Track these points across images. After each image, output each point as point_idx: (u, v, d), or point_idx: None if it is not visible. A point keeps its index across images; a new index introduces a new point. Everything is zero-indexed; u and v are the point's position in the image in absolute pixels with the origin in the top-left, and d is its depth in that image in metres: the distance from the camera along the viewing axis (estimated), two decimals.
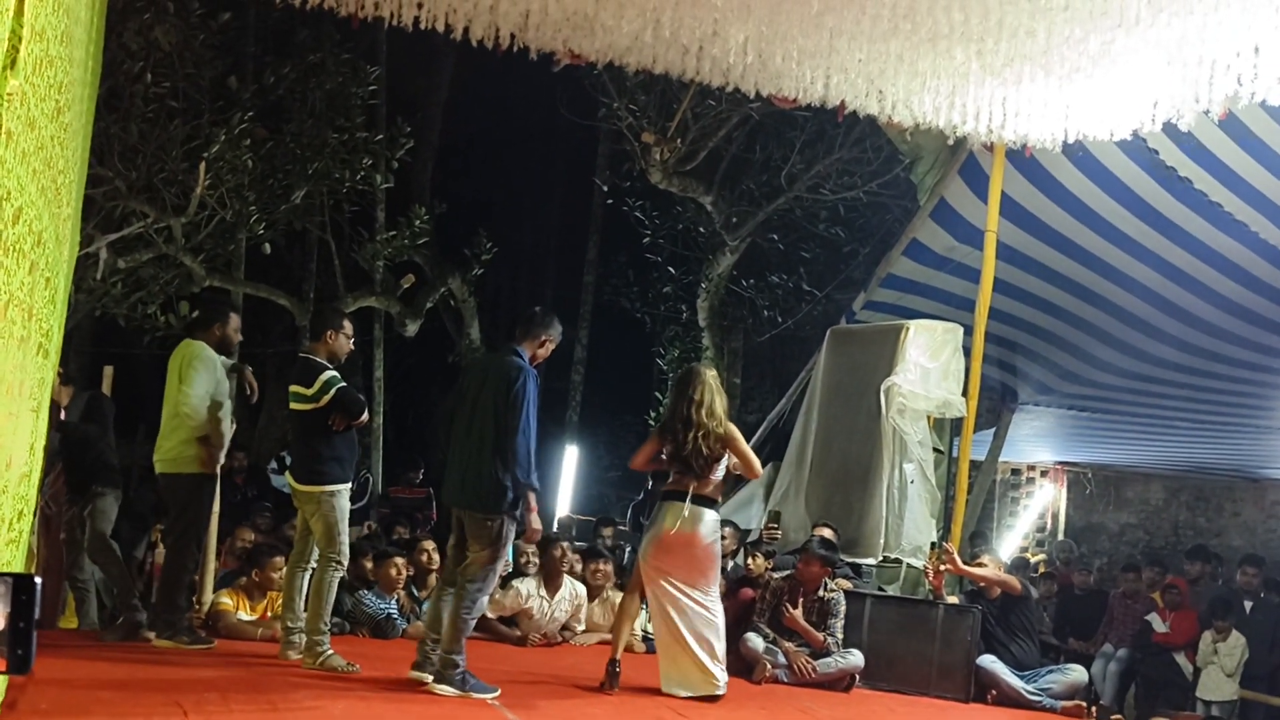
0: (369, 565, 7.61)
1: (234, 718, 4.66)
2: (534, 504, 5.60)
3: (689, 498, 5.98)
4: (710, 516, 6.02)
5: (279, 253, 12.15)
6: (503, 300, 19.66)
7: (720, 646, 6.04)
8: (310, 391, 5.94)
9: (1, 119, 1.84)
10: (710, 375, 6.16)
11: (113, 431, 6.97)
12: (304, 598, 6.12)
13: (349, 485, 6.16)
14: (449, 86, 15.18)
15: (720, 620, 6.07)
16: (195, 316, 6.84)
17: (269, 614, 6.91)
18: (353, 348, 6.46)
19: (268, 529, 8.64)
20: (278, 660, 6.06)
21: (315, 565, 6.10)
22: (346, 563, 6.23)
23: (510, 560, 8.25)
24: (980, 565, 7.52)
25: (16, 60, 1.92)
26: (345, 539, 6.12)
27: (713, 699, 5.93)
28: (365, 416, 6.22)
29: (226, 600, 6.90)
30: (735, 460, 6.09)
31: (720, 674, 6.00)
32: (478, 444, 5.54)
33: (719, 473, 6.07)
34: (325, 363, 6.07)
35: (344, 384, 6.08)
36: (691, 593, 5.98)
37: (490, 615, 7.66)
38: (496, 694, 5.41)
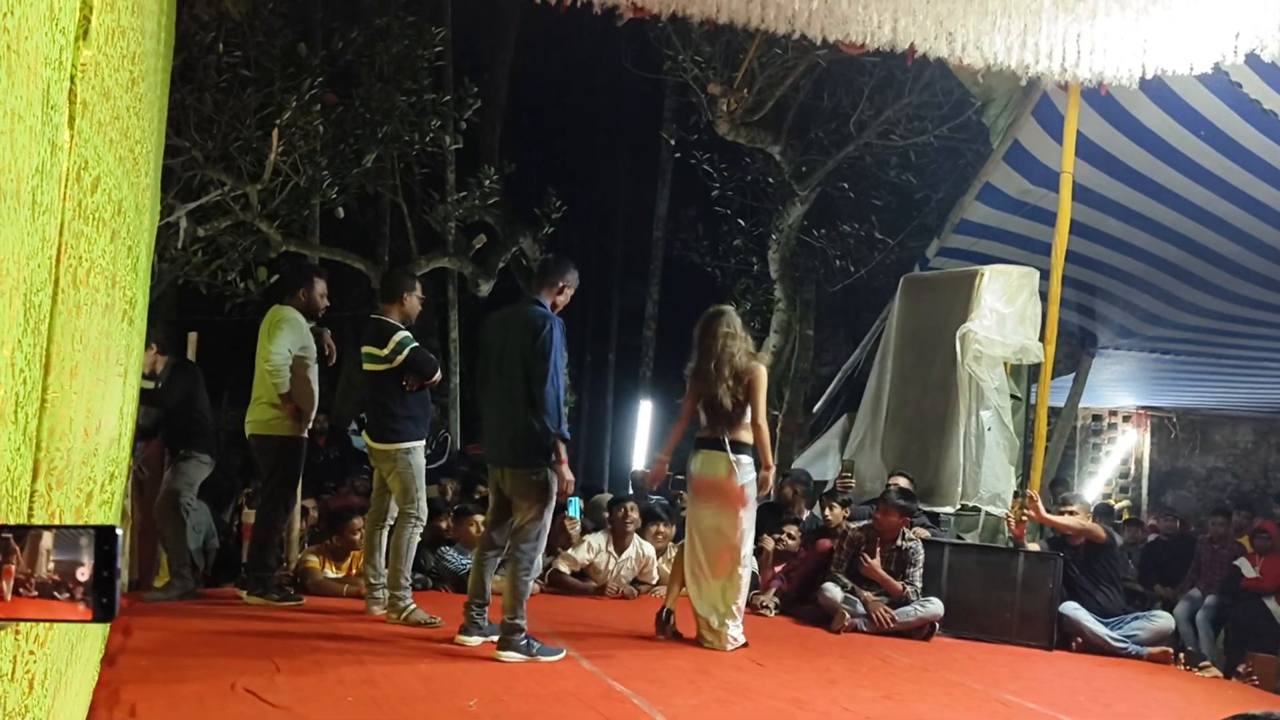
0: (446, 525, 7.74)
1: (325, 672, 4.79)
2: (564, 454, 5.47)
3: (717, 443, 5.98)
4: (741, 460, 5.97)
5: (352, 216, 12.28)
6: (574, 258, 19.70)
7: (741, 596, 6.05)
8: (384, 352, 6.04)
9: (76, 89, 1.88)
10: (727, 320, 6.07)
11: (205, 396, 7.08)
12: (384, 554, 6.25)
13: (424, 442, 6.25)
14: (514, 46, 15.16)
15: (747, 570, 6.07)
16: (280, 281, 6.93)
17: (354, 571, 7.07)
18: (422, 308, 6.53)
19: (366, 490, 8.76)
20: (364, 616, 6.22)
21: (394, 522, 6.21)
22: (425, 518, 6.33)
23: (579, 520, 8.38)
24: (1069, 512, 7.40)
25: (89, 31, 1.96)
26: (423, 495, 6.22)
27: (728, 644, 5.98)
28: (438, 376, 6.30)
29: (314, 559, 7.08)
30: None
31: (735, 629, 6.02)
32: (509, 398, 5.47)
33: (743, 416, 6.00)
34: (398, 324, 6.15)
35: (416, 344, 6.16)
36: (719, 537, 6.00)
37: (563, 569, 7.77)
38: (562, 655, 5.39)
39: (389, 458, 6.12)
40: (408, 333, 6.14)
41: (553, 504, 5.56)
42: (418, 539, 6.23)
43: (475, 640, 5.52)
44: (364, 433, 6.43)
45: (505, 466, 5.55)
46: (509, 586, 5.40)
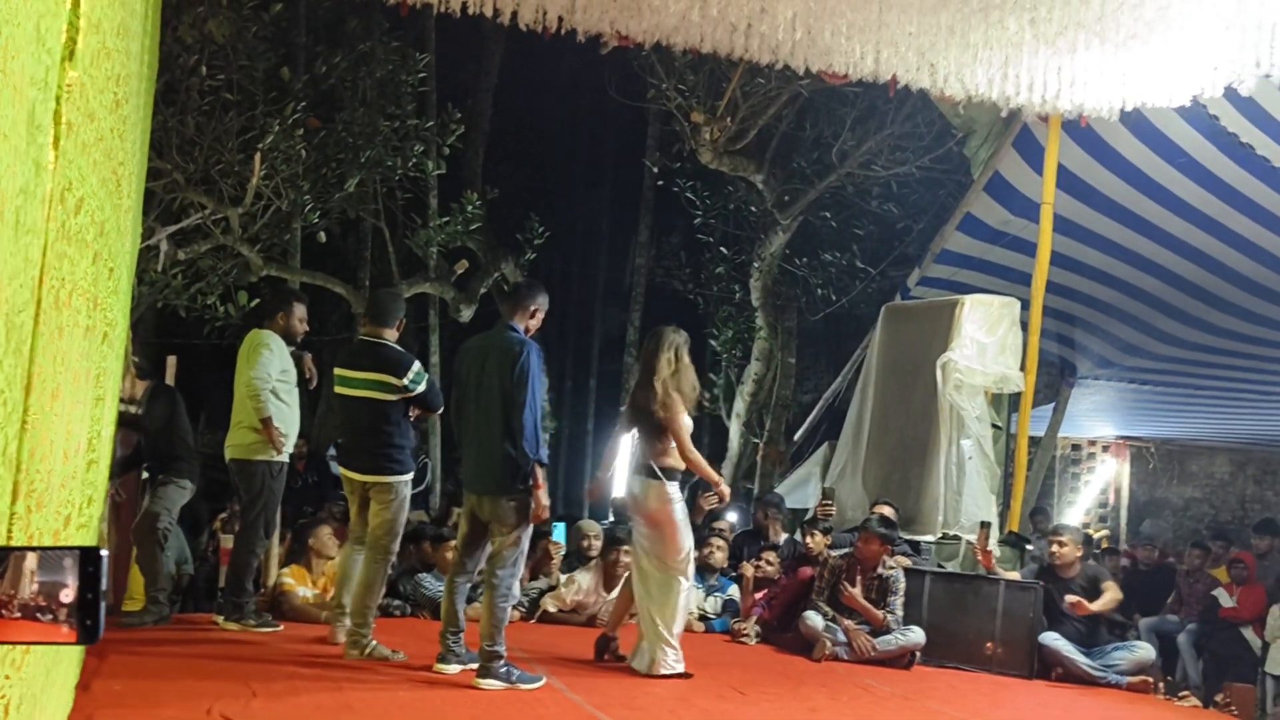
0: (428, 548, 7.69)
1: (301, 699, 4.74)
2: (541, 480, 5.37)
3: (640, 467, 5.91)
4: (661, 485, 5.82)
5: (334, 241, 12.27)
6: (555, 284, 19.68)
7: (675, 622, 5.85)
8: (403, 381, 5.85)
9: (61, 110, 1.87)
10: (667, 343, 5.92)
11: (186, 420, 7.01)
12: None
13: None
14: (498, 72, 15.21)
15: (680, 593, 5.85)
16: (260, 305, 6.78)
17: (329, 590, 7.00)
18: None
19: (343, 516, 8.68)
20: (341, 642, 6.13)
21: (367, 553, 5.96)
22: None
23: (563, 545, 8.31)
24: (1058, 543, 7.37)
25: (75, 52, 1.95)
26: (401, 530, 6.10)
27: (672, 676, 5.81)
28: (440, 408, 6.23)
29: (289, 579, 7.02)
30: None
31: (670, 655, 5.83)
32: (486, 425, 5.41)
33: (666, 440, 5.86)
34: (404, 350, 6.05)
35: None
36: (652, 560, 5.90)
37: (551, 609, 7.70)
38: (542, 682, 5.34)
39: (388, 489, 5.90)
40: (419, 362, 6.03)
41: (530, 530, 5.50)
42: (386, 575, 6.07)
43: (453, 668, 5.45)
44: (344, 463, 6.16)
45: (484, 494, 5.48)
46: (487, 614, 5.32)
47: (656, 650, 5.83)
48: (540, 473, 5.38)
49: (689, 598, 6.07)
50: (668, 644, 5.82)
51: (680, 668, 5.83)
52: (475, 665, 5.38)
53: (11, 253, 1.51)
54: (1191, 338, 10.06)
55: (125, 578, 7.22)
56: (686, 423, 5.90)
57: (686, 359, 5.97)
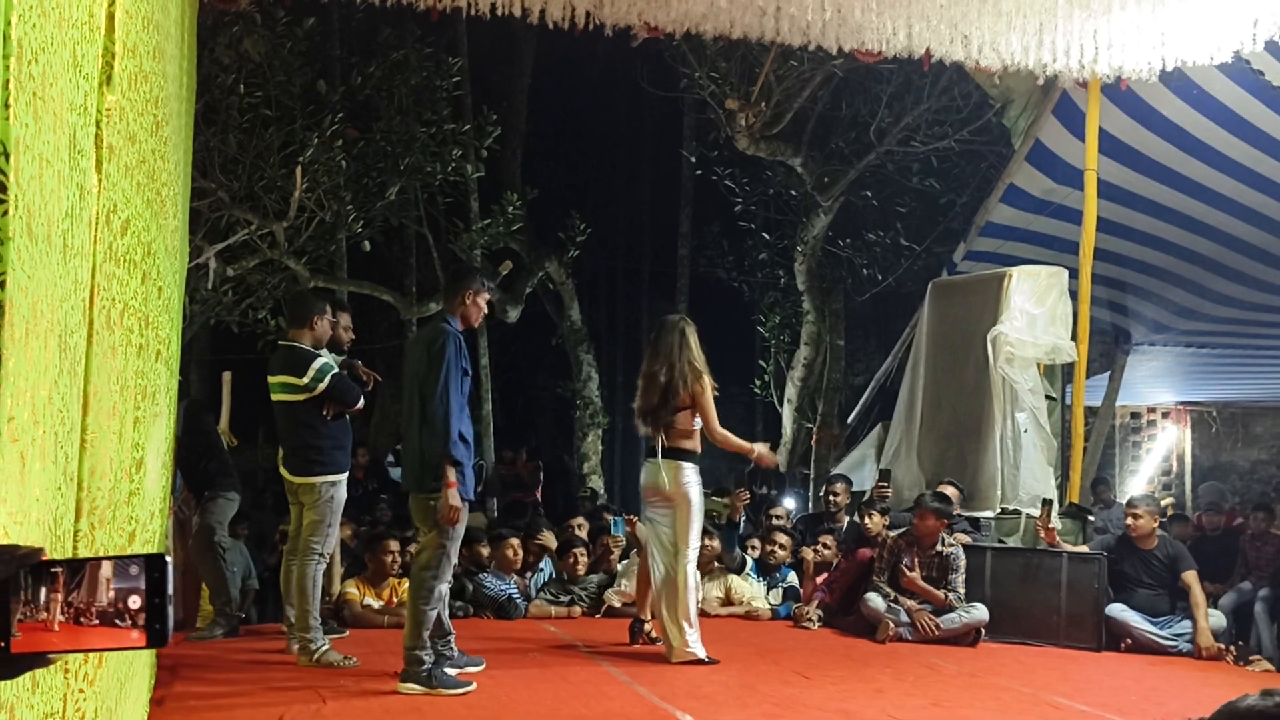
0: (484, 550, 7.74)
1: (369, 701, 4.80)
2: (451, 478, 5.03)
3: (653, 451, 5.95)
4: (679, 466, 5.88)
5: (379, 250, 12.37)
6: (600, 280, 19.75)
7: (689, 607, 5.88)
8: (303, 381, 5.68)
9: (102, 134, 1.91)
10: (673, 329, 6.02)
11: (217, 435, 7.08)
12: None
13: (347, 475, 5.94)
14: (532, 73, 15.26)
15: (688, 579, 5.87)
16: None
17: (395, 599, 7.09)
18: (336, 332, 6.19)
19: (389, 522, 8.84)
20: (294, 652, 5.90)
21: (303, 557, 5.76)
22: (329, 555, 5.99)
23: (624, 539, 8.31)
24: (1134, 515, 7.30)
25: (112, 76, 1.99)
26: (335, 531, 5.99)
27: (690, 663, 5.80)
28: (361, 404, 5.94)
29: (353, 590, 7.12)
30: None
31: (689, 636, 5.85)
32: (410, 420, 5.27)
33: (682, 423, 5.89)
34: (312, 349, 5.79)
35: (337, 371, 5.84)
36: (665, 547, 5.94)
37: (616, 604, 7.73)
38: (471, 689, 5.06)
39: (311, 490, 5.75)
40: (327, 358, 5.82)
41: (460, 528, 5.21)
42: (321, 576, 5.85)
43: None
44: (281, 466, 5.92)
45: (409, 491, 5.32)
46: (409, 615, 5.13)
47: (674, 636, 5.88)
48: (451, 471, 5.05)
49: (696, 579, 6.08)
50: (685, 629, 5.86)
51: (701, 651, 5.86)
52: (474, 668, 5.41)
53: (61, 275, 1.54)
54: (1247, 297, 9.88)
55: (197, 597, 7.34)
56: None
57: (695, 340, 6.01)
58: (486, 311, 5.60)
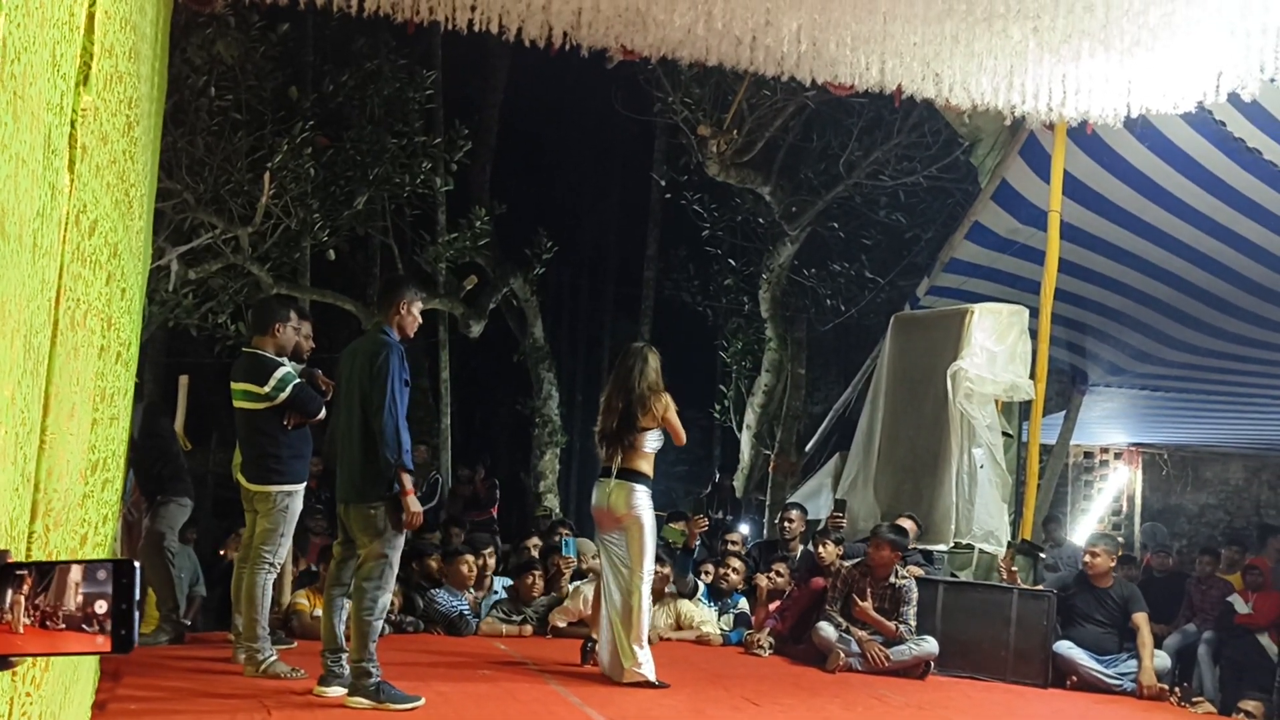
0: (434, 565, 7.69)
1: (314, 713, 4.75)
2: (409, 485, 5.10)
3: (608, 470, 6.00)
4: (633, 488, 5.92)
5: (343, 258, 12.32)
6: (565, 298, 19.78)
7: (641, 630, 5.90)
8: (264, 389, 5.65)
9: (76, 134, 1.90)
10: (635, 355, 6.10)
11: (174, 436, 6.99)
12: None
13: (304, 486, 5.91)
14: (504, 88, 15.29)
15: (641, 600, 5.89)
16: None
17: None
18: (302, 342, 6.12)
19: (321, 531, 8.67)
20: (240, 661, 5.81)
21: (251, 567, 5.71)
22: (279, 565, 5.93)
23: (575, 559, 8.29)
24: (1091, 553, 7.42)
25: (89, 77, 1.98)
26: (288, 541, 5.92)
27: (640, 685, 5.80)
28: (323, 414, 5.83)
29: (303, 601, 7.05)
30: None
31: (640, 656, 5.86)
32: (348, 431, 5.24)
33: (640, 444, 5.94)
34: (275, 358, 5.76)
35: (299, 380, 5.80)
36: (617, 570, 5.97)
37: (560, 624, 7.69)
38: (419, 703, 5.02)
39: (266, 498, 5.71)
40: (289, 368, 5.78)
41: (400, 539, 5.21)
42: (271, 586, 5.80)
43: (335, 690, 5.15)
44: (238, 473, 5.92)
45: (348, 502, 5.26)
46: (354, 628, 5.09)
47: (626, 658, 5.88)
48: (407, 479, 5.11)
49: (649, 602, 6.08)
50: (636, 651, 5.87)
51: (652, 674, 5.85)
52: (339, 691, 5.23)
53: (29, 275, 1.53)
54: (1202, 343, 10.03)
55: (143, 600, 7.23)
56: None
57: (655, 364, 6.09)
58: (421, 321, 5.56)
